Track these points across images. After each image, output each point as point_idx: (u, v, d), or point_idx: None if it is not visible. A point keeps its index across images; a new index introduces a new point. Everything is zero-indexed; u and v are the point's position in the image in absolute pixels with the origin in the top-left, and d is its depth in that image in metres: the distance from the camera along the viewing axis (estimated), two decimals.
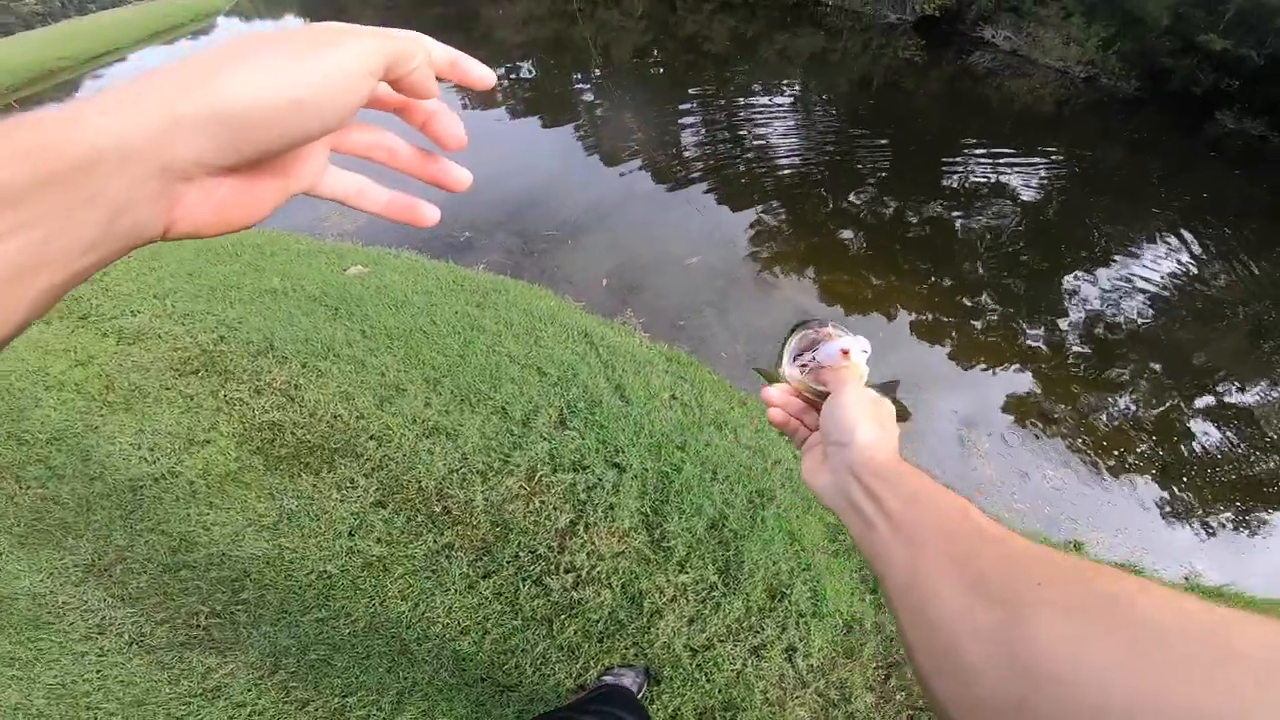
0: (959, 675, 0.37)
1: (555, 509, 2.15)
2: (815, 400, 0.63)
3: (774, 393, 0.65)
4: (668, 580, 2.08)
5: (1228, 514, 4.89)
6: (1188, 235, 9.74)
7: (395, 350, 2.62)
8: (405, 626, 1.78)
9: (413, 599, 1.84)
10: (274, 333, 2.62)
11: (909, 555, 0.44)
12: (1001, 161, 10.95)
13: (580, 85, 10.50)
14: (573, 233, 5.81)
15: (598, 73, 11.34)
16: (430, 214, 0.44)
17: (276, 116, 0.27)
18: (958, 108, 14.18)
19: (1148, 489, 4.87)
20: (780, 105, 11.56)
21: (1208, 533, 4.74)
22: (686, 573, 2.14)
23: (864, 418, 0.57)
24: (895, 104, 13.45)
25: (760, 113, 10.87)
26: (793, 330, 0.66)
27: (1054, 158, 11.85)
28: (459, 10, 14.70)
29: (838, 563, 2.50)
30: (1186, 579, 3.98)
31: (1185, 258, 9.07)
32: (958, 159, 10.81)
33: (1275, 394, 6.74)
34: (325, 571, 1.85)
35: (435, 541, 1.90)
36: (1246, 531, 4.83)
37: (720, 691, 1.82)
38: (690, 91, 11.16)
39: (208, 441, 2.15)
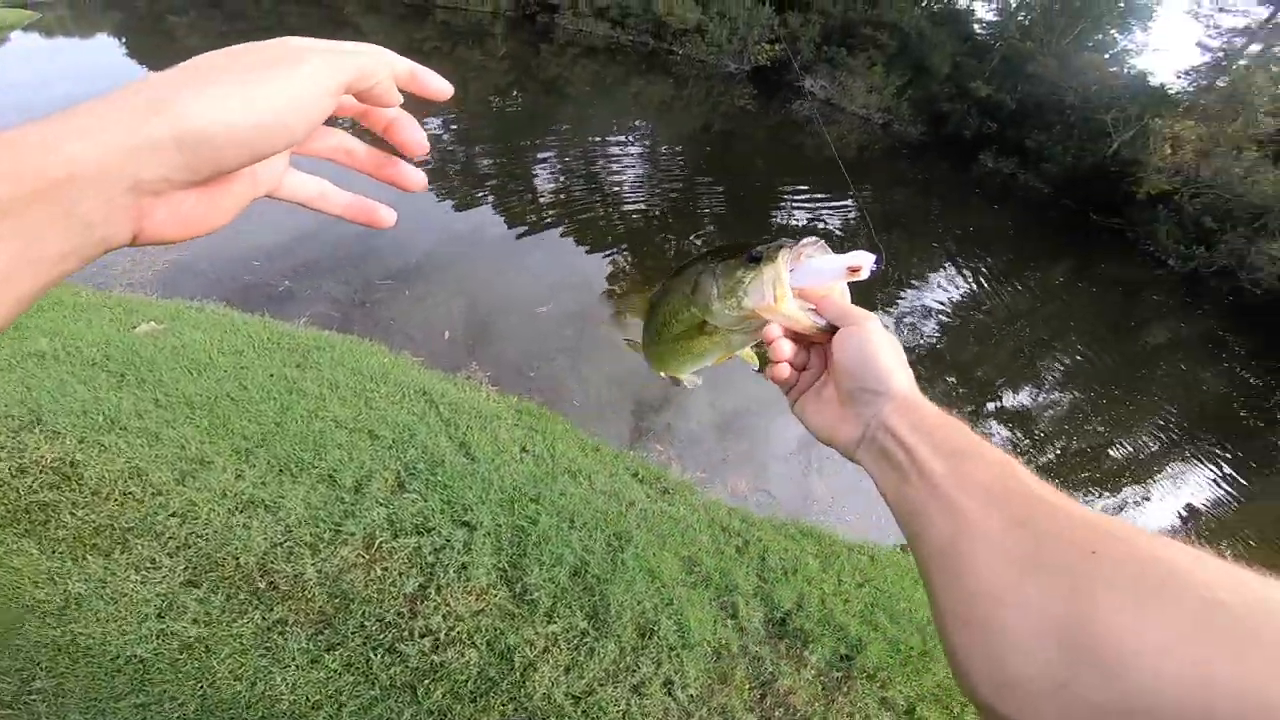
0: (996, 651, 0.37)
1: (401, 574, 2.20)
2: (816, 337, 0.59)
3: (786, 346, 0.59)
4: (536, 632, 2.22)
5: None
6: (962, 265, 12.45)
7: (197, 420, 2.50)
8: (245, 706, 1.75)
9: (248, 678, 1.81)
10: (41, 404, 2.40)
11: (949, 518, 0.43)
12: (819, 203, 13.07)
13: (433, 121, 10.60)
14: (412, 281, 5.81)
15: (453, 110, 11.54)
16: (388, 216, 0.49)
17: (240, 137, 0.31)
18: (781, 153, 16.55)
19: None
20: (632, 149, 12.67)
21: None
22: (555, 622, 2.29)
23: (897, 361, 0.55)
24: (731, 148, 15.35)
25: (615, 157, 11.81)
26: (772, 251, 0.58)
27: (861, 198, 14.38)
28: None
29: (696, 594, 2.80)
30: None
31: (961, 285, 11.63)
32: (783, 201, 12.65)
33: (1039, 398, 9.01)
34: (135, 656, 1.78)
35: (264, 618, 1.88)
36: None
37: None
38: (549, 134, 11.79)
39: None
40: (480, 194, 8.48)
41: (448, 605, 2.17)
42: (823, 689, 2.58)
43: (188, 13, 16.45)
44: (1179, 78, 24.97)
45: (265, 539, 2.07)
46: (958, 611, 0.40)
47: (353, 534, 2.26)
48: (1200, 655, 0.30)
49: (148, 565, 1.90)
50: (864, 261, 0.56)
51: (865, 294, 9.51)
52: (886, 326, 0.56)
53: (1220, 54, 24.49)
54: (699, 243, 9.42)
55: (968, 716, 2.72)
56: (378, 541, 2.28)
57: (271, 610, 1.88)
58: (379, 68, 0.38)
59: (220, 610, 1.83)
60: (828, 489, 5.02)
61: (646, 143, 13.52)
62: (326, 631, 1.91)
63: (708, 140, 15.59)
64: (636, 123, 14.54)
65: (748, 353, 0.72)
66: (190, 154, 0.30)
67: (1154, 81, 23.22)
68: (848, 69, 22.73)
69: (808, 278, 0.57)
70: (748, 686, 2.49)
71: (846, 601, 3.10)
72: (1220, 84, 21.91)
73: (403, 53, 0.40)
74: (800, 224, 11.81)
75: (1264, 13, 23.48)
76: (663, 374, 0.85)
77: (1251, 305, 17.60)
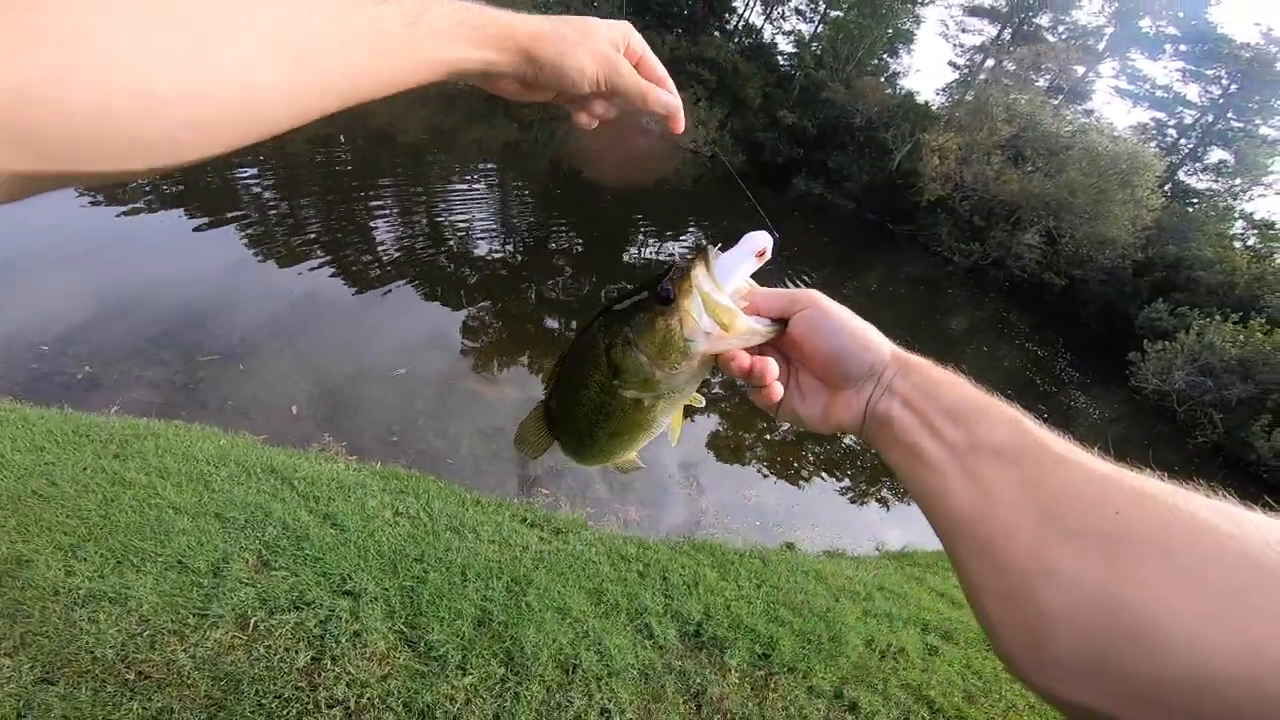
0: (1035, 629, 0.37)
1: (288, 649, 2.11)
2: (776, 334, 0.56)
3: (745, 359, 0.56)
4: (453, 686, 2.22)
5: (886, 491, 7.08)
6: (791, 282, 14.28)
7: (1, 523, 2.23)
8: None
9: None
10: None
11: (970, 486, 0.43)
12: (666, 236, 14.23)
13: (243, 174, 9.83)
14: (242, 355, 5.40)
15: (266, 161, 10.81)
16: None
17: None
18: (626, 190, 17.75)
19: (824, 485, 6.83)
20: (479, 195, 12.80)
21: (884, 508, 6.79)
22: (470, 674, 2.31)
23: (866, 324, 0.55)
24: (578, 189, 16.14)
25: (460, 205, 11.84)
26: (679, 279, 0.53)
27: (700, 228, 15.86)
28: None
29: (609, 622, 2.93)
30: (877, 549, 5.59)
31: None
32: (635, 237, 13.60)
33: None
34: None
35: (144, 709, 1.72)
36: (904, 502, 7.06)
37: None
38: (383, 184, 11.52)
39: None
40: (312, 253, 8.02)
41: (348, 673, 2.11)
42: (751, 689, 2.78)
43: None
44: (937, 94, 30.74)
45: (119, 630, 1.90)
46: (989, 586, 0.40)
47: (221, 616, 2.12)
48: (1242, 623, 0.30)
49: None
50: (766, 242, 0.57)
51: None
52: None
53: (966, 70, 30.54)
54: (558, 284, 9.75)
55: (892, 691, 3.03)
56: (253, 620, 2.17)
57: (151, 700, 1.73)
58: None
59: (90, 704, 1.65)
60: (711, 503, 5.41)
61: (494, 187, 13.78)
62: (220, 714, 1.79)
63: (557, 183, 16.26)
64: (481, 166, 14.78)
65: (676, 418, 0.66)
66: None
67: (920, 99, 28.32)
68: None
69: (727, 283, 0.54)
70: (681, 700, 2.63)
71: (750, 604, 3.37)
72: (969, 98, 27.08)
73: None
74: (653, 256, 12.66)
75: (994, 31, 29.82)
76: (610, 466, 0.76)
77: (1023, 288, 21.97)
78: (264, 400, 4.98)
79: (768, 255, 0.57)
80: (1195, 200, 26.50)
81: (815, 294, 0.56)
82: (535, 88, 0.61)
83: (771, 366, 0.56)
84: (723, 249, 0.58)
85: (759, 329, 0.55)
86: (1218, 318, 15.98)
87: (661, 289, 0.54)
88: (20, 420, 3.11)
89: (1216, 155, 27.50)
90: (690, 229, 15.71)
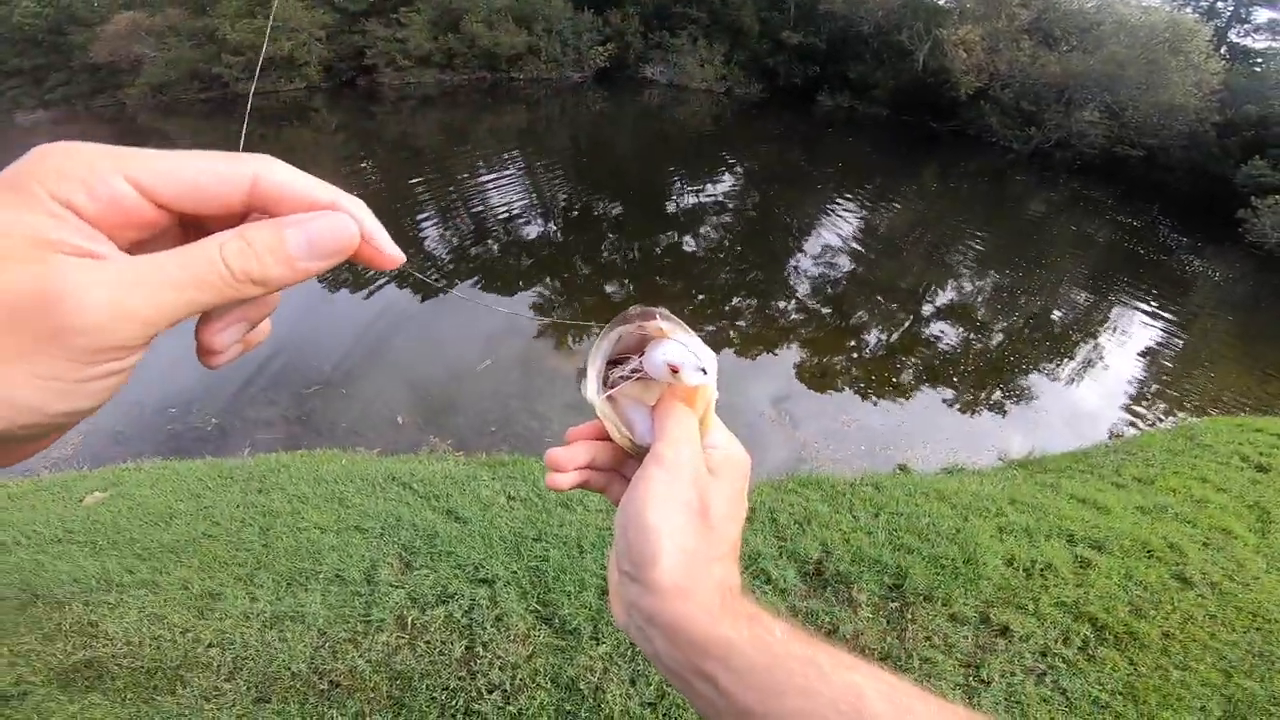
0: None
1: (444, 642, 2.32)
2: (631, 451, 0.48)
3: (560, 453, 0.48)
4: (590, 656, 2.35)
5: (998, 394, 6.78)
6: (847, 198, 13.64)
7: (186, 562, 2.57)
8: None
9: None
10: (29, 583, 2.44)
11: None
12: (701, 181, 13.91)
13: None
14: (344, 380, 5.83)
15: None
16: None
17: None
18: (650, 143, 17.49)
19: (929, 397, 6.57)
20: (508, 181, 12.89)
21: (999, 414, 6.51)
22: (603, 643, 2.42)
23: (670, 529, 0.40)
24: (603, 153, 16.01)
25: (494, 194, 12.03)
26: (609, 326, 0.48)
27: (733, 168, 15.30)
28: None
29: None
30: (1000, 459, 5.37)
31: (852, 216, 12.85)
32: (671, 189, 13.39)
33: (965, 289, 10.01)
34: None
35: (343, 715, 1.97)
36: (1022, 403, 6.74)
37: None
38: (419, 191, 11.89)
39: (24, 694, 1.99)
40: (375, 278, 8.50)
41: (500, 657, 2.30)
42: (888, 623, 2.67)
43: None
44: None
45: (306, 645, 2.17)
46: None
47: (383, 619, 2.37)
48: None
49: (213, 693, 1.98)
50: (684, 360, 0.44)
51: (771, 255, 10.17)
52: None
53: None
54: (607, 250, 9.81)
55: (1045, 610, 2.82)
56: (409, 619, 2.40)
57: (345, 707, 1.99)
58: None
59: (300, 717, 1.93)
60: (810, 435, 5.38)
61: (522, 170, 13.88)
62: (403, 712, 2.02)
63: (581, 152, 16.18)
64: (504, 155, 14.91)
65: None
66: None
67: None
68: (676, 49, 24.47)
69: (649, 365, 0.46)
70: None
71: (870, 535, 3.23)
72: None
73: (222, 147, 0.32)
74: (694, 203, 12.47)
75: None
76: None
77: (1095, 164, 20.48)
78: (370, 416, 5.37)
79: (683, 376, 0.45)
80: (1259, 59, 24.25)
81: (675, 446, 0.43)
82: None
83: (559, 459, 0.48)
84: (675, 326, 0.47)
85: (602, 416, 0.48)
86: None
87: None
88: (174, 474, 3.49)
89: (1264, 15, 25.28)
90: (723, 168, 15.22)
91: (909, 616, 2.72)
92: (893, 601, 2.81)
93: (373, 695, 2.07)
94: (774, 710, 0.35)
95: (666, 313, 0.45)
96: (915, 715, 0.34)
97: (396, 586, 2.63)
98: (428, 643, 2.32)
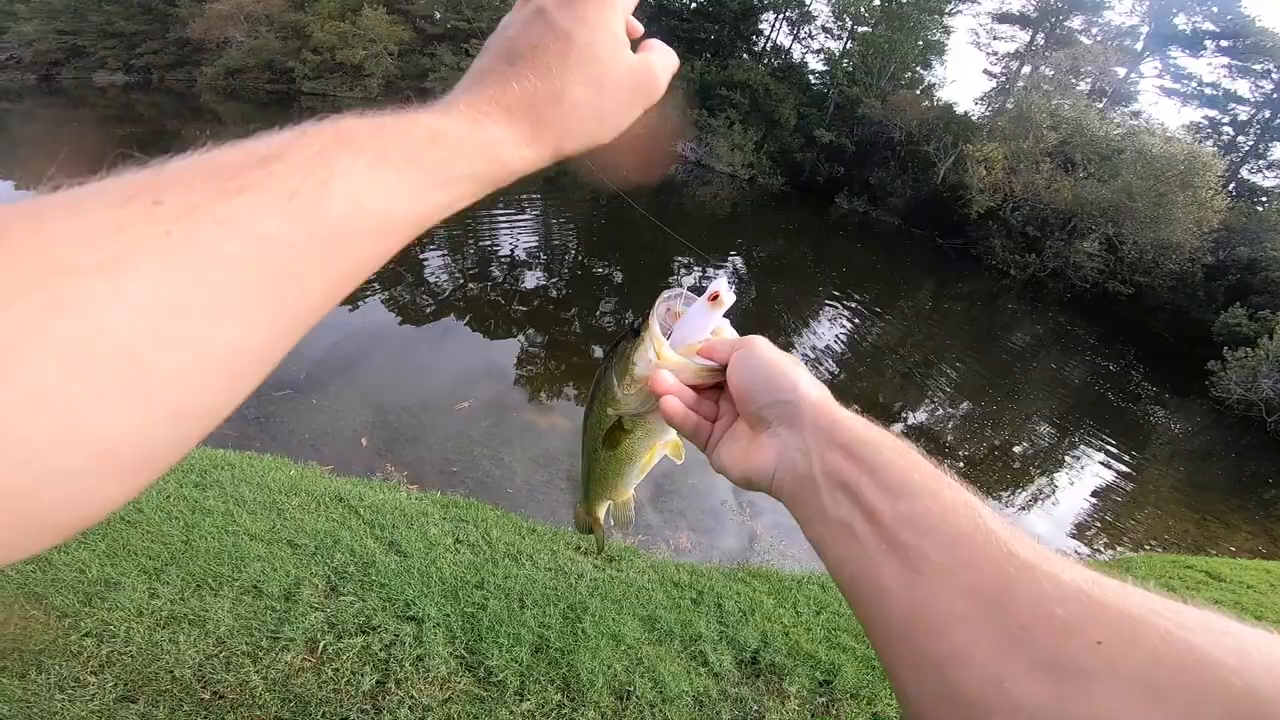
0: None
1: (354, 673, 2.15)
2: (710, 381, 0.57)
3: (666, 378, 0.55)
4: (510, 712, 2.23)
5: None
6: (843, 303, 14.11)
7: (93, 545, 2.37)
8: None
9: None
10: None
11: (914, 588, 0.36)
12: (706, 262, 14.37)
13: None
14: (311, 390, 5.67)
15: None
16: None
17: None
18: (667, 218, 17.99)
19: None
20: (525, 227, 13.17)
21: None
22: (527, 699, 2.31)
23: (797, 369, 0.51)
24: (620, 218, 16.45)
25: (504, 234, 12.27)
26: (645, 317, 0.60)
27: (741, 255, 15.79)
28: (150, 129, 13.92)
29: (663, 649, 2.88)
30: None
31: (845, 321, 13.25)
32: (678, 265, 13.68)
33: (937, 413, 10.29)
34: None
35: None
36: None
37: None
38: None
39: None
40: (367, 288, 8.47)
41: (411, 697, 2.13)
42: (812, 717, 2.68)
43: (22, 99, 15.61)
44: (976, 104, 29.68)
45: (197, 651, 1.99)
46: (938, 712, 0.33)
47: (292, 639, 2.19)
48: None
49: (71, 684, 1.79)
50: (719, 287, 0.58)
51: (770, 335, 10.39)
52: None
53: (1003, 78, 29.51)
54: (603, 313, 9.89)
55: None
56: (321, 644, 2.22)
57: (224, 719, 1.81)
58: None
59: None
60: (764, 528, 5.28)
61: (538, 221, 14.16)
62: None
63: (598, 211, 16.62)
64: (523, 197, 15.28)
65: (675, 445, 0.70)
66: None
67: (959, 110, 27.42)
68: (711, 130, 25.21)
69: (687, 328, 0.60)
70: None
71: (809, 630, 3.25)
72: (1009, 106, 26.05)
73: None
74: (692, 285, 12.88)
75: (1026, 37, 28.85)
76: (603, 509, 0.81)
77: (1085, 298, 20.89)
78: (332, 431, 5.19)
79: (723, 299, 0.58)
80: (1264, 199, 24.73)
81: (755, 338, 0.55)
82: None
83: (672, 401, 0.55)
84: (695, 291, 0.62)
85: (683, 361, 0.57)
86: None
87: (634, 323, 0.61)
88: None
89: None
90: (731, 253, 15.70)
91: (834, 713, 2.72)
92: (821, 696, 2.80)
93: (259, 714, 1.88)
94: (904, 511, 0.38)
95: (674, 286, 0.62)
96: (1019, 535, 0.36)
97: (316, 609, 2.45)
98: (336, 670, 2.14)
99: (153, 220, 0.26)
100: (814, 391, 0.49)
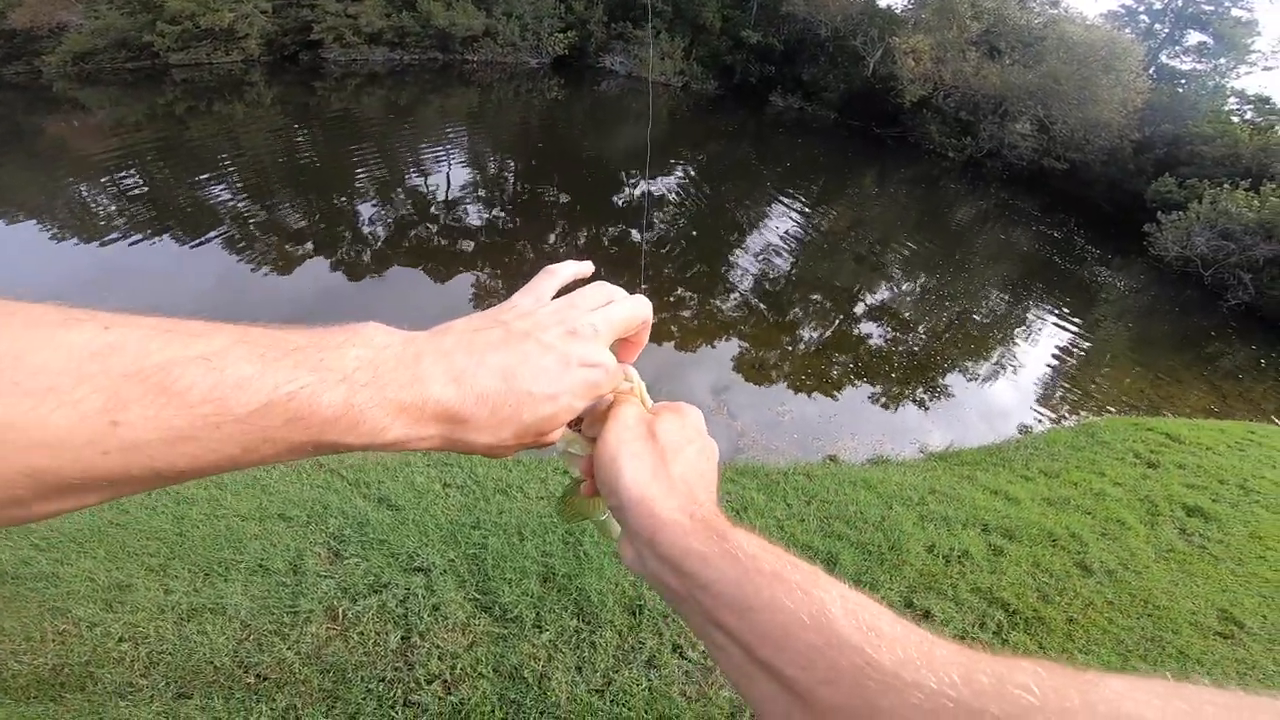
0: None
1: (379, 633, 2.24)
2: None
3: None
4: (533, 644, 2.32)
5: (921, 391, 7.16)
6: (791, 197, 14.14)
7: (92, 553, 2.37)
8: None
9: None
10: None
11: (777, 694, 0.34)
12: (652, 174, 14.14)
13: (214, 188, 9.78)
14: None
15: (232, 168, 10.70)
16: None
17: None
18: (603, 133, 17.42)
19: (858, 391, 6.90)
20: (458, 163, 12.56)
21: (922, 409, 6.88)
22: (546, 630, 2.40)
23: (628, 455, 0.45)
24: (556, 140, 15.84)
25: (438, 175, 11.68)
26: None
27: (685, 162, 15.65)
28: (7, 128, 12.61)
29: None
30: (921, 451, 5.66)
31: (795, 215, 13.37)
32: (627, 182, 13.38)
33: (894, 290, 10.60)
34: None
35: (272, 710, 1.87)
36: (942, 399, 7.14)
37: (644, 712, 2.13)
38: (357, 170, 11.40)
39: None
40: (303, 252, 8.10)
41: (438, 647, 2.23)
42: None
43: None
44: None
45: (227, 639, 2.05)
46: None
47: (311, 610, 2.26)
48: None
49: (128, 689, 1.84)
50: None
51: (718, 247, 10.35)
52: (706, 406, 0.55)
53: None
54: (553, 239, 9.70)
55: (963, 596, 2.99)
56: (340, 610, 2.30)
57: (275, 700, 1.88)
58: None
59: (227, 712, 1.81)
60: (747, 425, 5.52)
61: (469, 155, 13.51)
62: (338, 705, 1.94)
63: (533, 136, 15.92)
64: (450, 134, 14.49)
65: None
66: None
67: (881, 3, 26.98)
68: (638, 41, 24.47)
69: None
70: None
71: (803, 522, 3.39)
72: None
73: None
74: (641, 195, 12.61)
75: None
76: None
77: (1023, 176, 22.10)
78: None
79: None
80: (1183, 80, 26.16)
81: (617, 410, 0.49)
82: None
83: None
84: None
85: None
86: (1227, 186, 15.77)
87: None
88: None
89: (1195, 38, 26.90)
90: (675, 161, 15.38)
91: None
92: None
93: (303, 688, 1.97)
94: (745, 625, 0.35)
95: None
96: (880, 633, 0.33)
97: (325, 577, 2.52)
98: (361, 634, 2.23)
99: None
100: (635, 487, 0.43)
